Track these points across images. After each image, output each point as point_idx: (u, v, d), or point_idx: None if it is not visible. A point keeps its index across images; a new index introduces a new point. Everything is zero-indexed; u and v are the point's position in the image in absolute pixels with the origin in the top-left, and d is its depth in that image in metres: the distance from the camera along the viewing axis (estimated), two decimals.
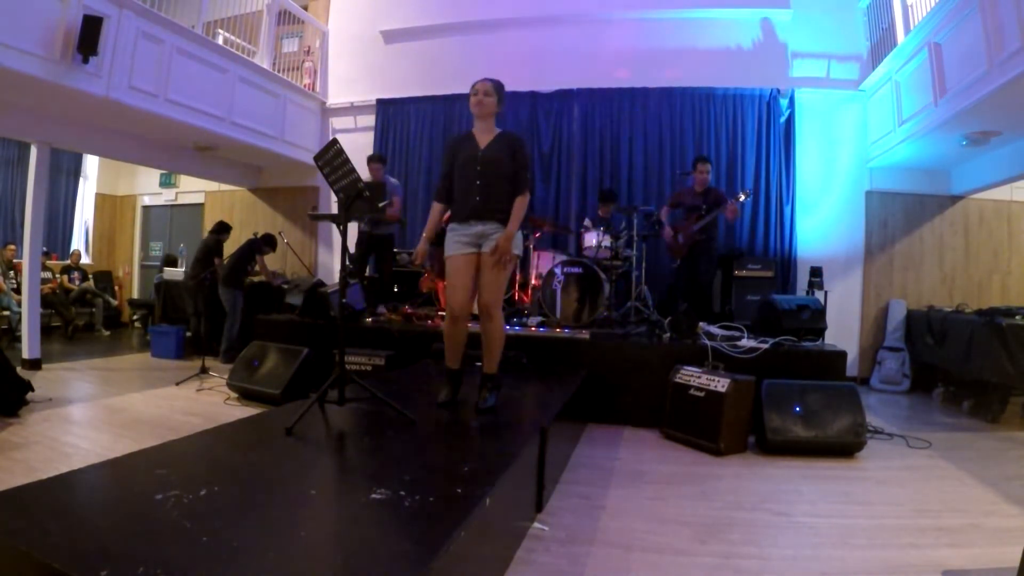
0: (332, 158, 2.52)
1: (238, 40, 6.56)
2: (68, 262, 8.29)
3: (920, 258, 6.19)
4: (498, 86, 2.77)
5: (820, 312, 4.43)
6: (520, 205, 2.70)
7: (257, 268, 6.36)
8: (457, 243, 2.75)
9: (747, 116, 6.29)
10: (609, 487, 2.90)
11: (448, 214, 2.87)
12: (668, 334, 4.36)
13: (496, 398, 2.84)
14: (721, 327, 4.48)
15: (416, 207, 6.93)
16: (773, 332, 4.21)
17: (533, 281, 5.31)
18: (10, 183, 8.36)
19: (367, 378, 3.36)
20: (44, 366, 5.40)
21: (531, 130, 6.75)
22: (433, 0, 7.21)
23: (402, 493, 1.68)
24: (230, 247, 6.46)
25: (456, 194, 2.77)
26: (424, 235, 2.87)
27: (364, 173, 4.90)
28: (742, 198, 5.16)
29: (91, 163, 9.20)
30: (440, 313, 4.94)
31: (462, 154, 2.76)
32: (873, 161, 6.13)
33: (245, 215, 8.14)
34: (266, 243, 6.42)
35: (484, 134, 2.78)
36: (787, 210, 6.20)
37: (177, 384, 4.92)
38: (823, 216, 6.29)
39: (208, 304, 6.13)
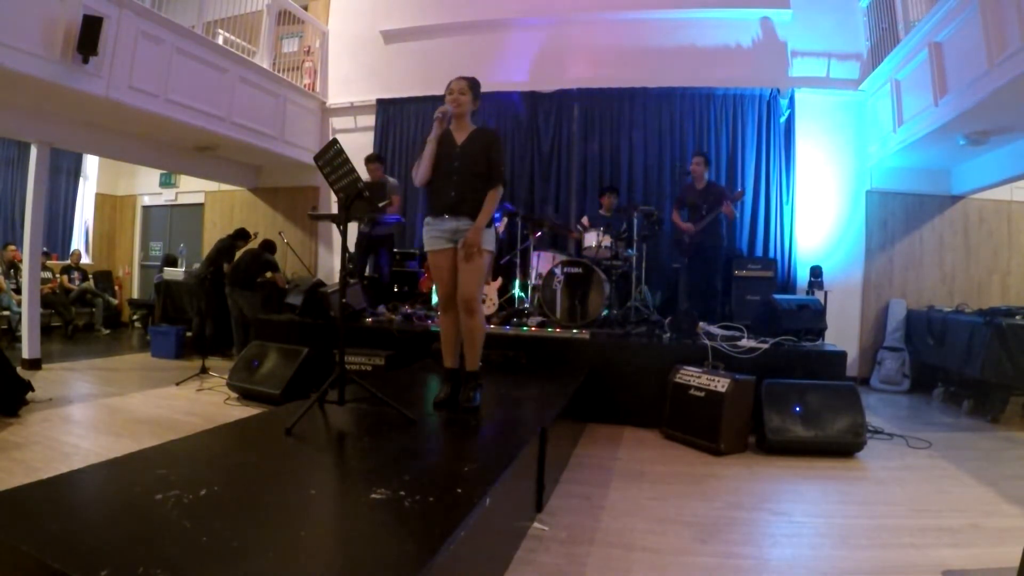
0: (332, 158, 2.53)
1: (238, 40, 6.56)
2: (68, 262, 8.28)
3: (920, 258, 6.18)
4: (473, 84, 2.80)
5: (820, 312, 4.43)
6: (492, 198, 2.72)
7: (268, 277, 6.30)
8: (433, 238, 2.79)
9: (747, 116, 6.29)
10: (609, 487, 2.90)
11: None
12: (668, 334, 4.36)
13: (480, 396, 2.85)
14: (721, 327, 4.48)
15: (417, 207, 6.92)
16: (773, 332, 4.21)
17: (533, 281, 5.31)
18: (10, 183, 8.36)
19: (367, 378, 3.36)
20: (44, 366, 5.39)
21: (531, 130, 6.75)
22: (433, 0, 7.21)
23: (402, 493, 1.68)
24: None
25: (433, 188, 2.81)
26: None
27: (364, 173, 4.90)
28: (738, 201, 5.21)
29: (91, 163, 9.20)
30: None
31: (440, 151, 2.78)
32: (873, 161, 6.13)
33: (245, 215, 8.13)
34: (267, 250, 6.41)
35: (460, 132, 2.81)
36: (787, 210, 6.20)
37: (177, 384, 4.92)
38: (823, 216, 6.29)
39: (210, 304, 6.12)
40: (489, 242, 2.75)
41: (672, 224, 5.66)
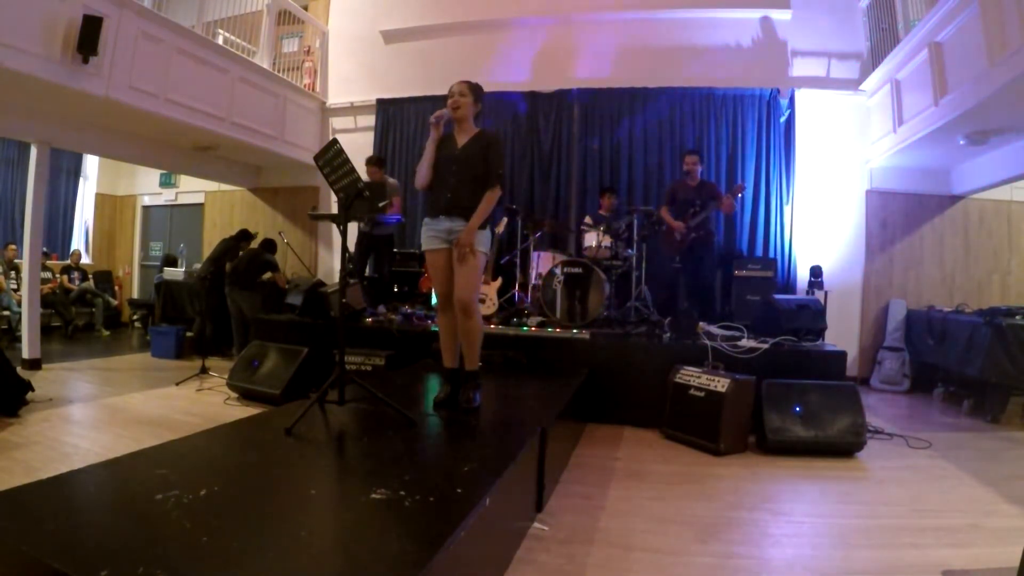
0: (332, 158, 2.53)
1: (238, 40, 6.55)
2: (68, 262, 8.28)
3: (920, 258, 6.18)
4: (473, 87, 2.83)
5: (820, 312, 4.42)
6: (488, 199, 2.72)
7: (267, 277, 6.29)
8: (430, 238, 2.82)
9: (747, 116, 6.28)
10: (609, 487, 2.90)
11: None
12: (668, 334, 4.36)
13: (480, 396, 2.86)
14: (721, 327, 4.48)
15: (417, 207, 6.92)
16: (773, 332, 4.20)
17: (533, 281, 5.31)
18: (10, 183, 8.36)
19: (367, 378, 3.36)
20: (44, 366, 5.39)
21: (531, 130, 6.74)
22: (433, 0, 7.21)
23: (402, 493, 1.68)
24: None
25: (431, 189, 2.83)
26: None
27: (364, 174, 4.90)
28: (739, 194, 5.21)
29: (91, 163, 9.19)
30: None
31: (441, 153, 2.80)
32: (873, 161, 6.13)
33: (245, 215, 8.14)
34: (267, 250, 6.41)
35: (462, 134, 2.84)
36: (787, 210, 6.20)
37: (177, 384, 4.92)
38: (823, 216, 6.28)
39: (210, 304, 6.12)
40: (483, 243, 2.75)
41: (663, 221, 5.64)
